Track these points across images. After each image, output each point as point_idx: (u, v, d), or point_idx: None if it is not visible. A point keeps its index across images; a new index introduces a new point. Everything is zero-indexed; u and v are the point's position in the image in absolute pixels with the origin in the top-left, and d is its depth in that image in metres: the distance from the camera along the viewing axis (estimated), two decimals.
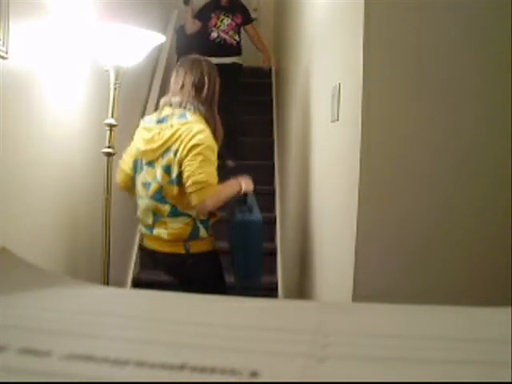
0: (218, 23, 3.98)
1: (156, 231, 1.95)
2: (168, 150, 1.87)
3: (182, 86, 1.97)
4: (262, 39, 4.24)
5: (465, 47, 1.20)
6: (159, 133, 1.91)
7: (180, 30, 4.30)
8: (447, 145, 1.21)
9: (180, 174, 1.85)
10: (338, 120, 1.50)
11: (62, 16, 1.89)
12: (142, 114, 3.55)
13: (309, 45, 2.33)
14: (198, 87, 1.98)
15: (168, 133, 1.89)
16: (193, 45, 3.88)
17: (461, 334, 0.22)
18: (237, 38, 4.02)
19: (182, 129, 1.87)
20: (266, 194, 3.57)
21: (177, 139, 1.86)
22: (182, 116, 1.91)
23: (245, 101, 3.95)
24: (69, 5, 1.96)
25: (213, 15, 3.98)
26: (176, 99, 1.95)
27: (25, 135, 1.68)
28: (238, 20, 4.04)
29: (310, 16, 2.33)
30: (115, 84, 2.04)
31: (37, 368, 0.18)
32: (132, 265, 3.36)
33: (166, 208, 1.91)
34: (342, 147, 1.45)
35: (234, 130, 3.58)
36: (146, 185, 1.94)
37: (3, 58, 1.49)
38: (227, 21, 3.99)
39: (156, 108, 3.72)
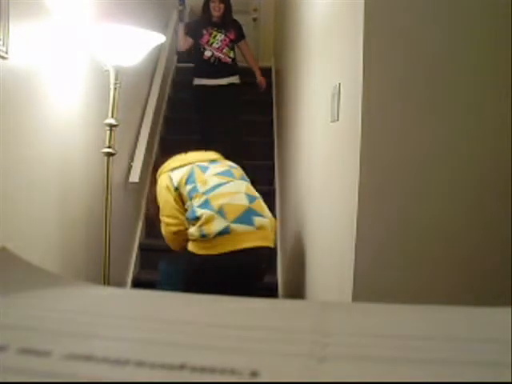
0: (211, 40, 3.79)
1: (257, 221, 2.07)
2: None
3: None
4: (254, 57, 4.08)
5: (465, 47, 1.20)
6: None
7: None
8: (447, 144, 1.21)
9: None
10: (337, 120, 1.50)
11: (62, 16, 1.89)
12: (142, 114, 3.56)
13: (309, 45, 2.33)
14: None
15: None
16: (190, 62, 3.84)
17: (461, 333, 0.22)
18: (232, 54, 3.82)
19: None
20: (265, 194, 3.56)
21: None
22: None
23: (245, 101, 3.93)
24: (69, 5, 1.96)
25: (204, 32, 3.79)
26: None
27: (25, 135, 1.67)
28: (232, 36, 3.85)
29: (310, 16, 2.33)
30: (115, 84, 2.04)
31: (37, 368, 0.18)
32: (132, 265, 3.36)
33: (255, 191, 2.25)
34: (342, 147, 1.45)
35: (237, 153, 3.34)
36: (225, 172, 2.22)
37: (3, 58, 1.49)
38: (220, 37, 3.80)
39: (156, 108, 3.73)
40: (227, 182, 2.09)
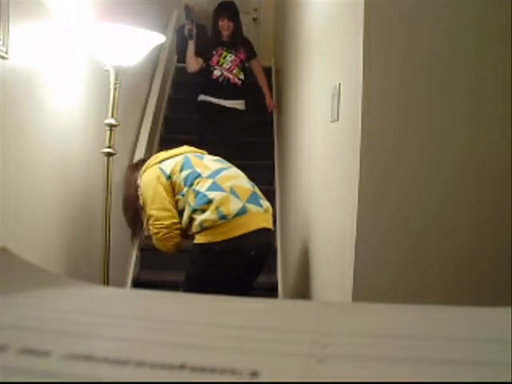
0: (221, 60, 3.62)
1: (264, 203, 2.03)
2: None
3: None
4: (265, 77, 3.88)
5: (465, 47, 1.20)
6: None
7: (180, 31, 4.27)
8: (447, 144, 1.21)
9: None
10: (337, 120, 1.50)
11: (62, 16, 1.89)
12: (142, 114, 3.56)
13: (309, 45, 2.33)
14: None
15: None
16: (197, 82, 3.67)
17: (461, 333, 0.22)
18: (241, 76, 3.65)
19: None
20: (265, 194, 3.56)
21: None
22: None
23: (245, 101, 3.93)
24: (69, 5, 1.96)
25: (214, 52, 3.61)
26: None
27: (25, 135, 1.68)
28: (242, 56, 3.68)
29: (310, 16, 2.33)
30: (115, 84, 2.04)
31: (37, 368, 0.18)
32: (132, 265, 3.36)
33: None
34: (341, 147, 1.45)
35: (236, 153, 3.24)
36: (220, 160, 2.16)
37: (3, 58, 1.49)
38: (230, 57, 3.63)
39: (156, 108, 3.73)
40: (227, 168, 2.06)
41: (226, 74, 3.62)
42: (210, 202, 1.91)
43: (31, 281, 0.29)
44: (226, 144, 3.32)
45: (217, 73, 3.61)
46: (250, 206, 1.94)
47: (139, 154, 3.27)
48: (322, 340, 0.21)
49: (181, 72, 4.71)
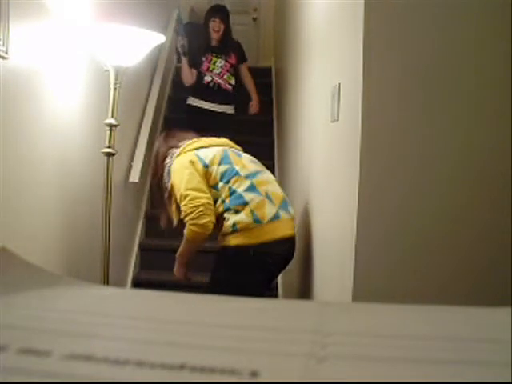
0: (211, 66, 3.59)
1: (291, 209, 2.02)
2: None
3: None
4: (253, 82, 3.79)
5: (465, 47, 1.20)
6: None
7: (180, 31, 4.24)
8: (447, 144, 1.21)
9: None
10: (337, 120, 1.50)
11: (62, 16, 1.89)
12: (142, 114, 3.56)
13: (309, 45, 2.33)
14: None
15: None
16: (188, 88, 3.62)
17: (461, 333, 0.22)
18: (232, 81, 3.62)
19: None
20: None
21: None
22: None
23: (245, 101, 3.93)
24: (69, 5, 1.96)
25: (203, 59, 3.58)
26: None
27: (25, 135, 1.68)
28: (233, 60, 3.63)
29: (310, 16, 2.33)
30: (115, 84, 2.04)
31: (37, 368, 0.18)
32: (132, 265, 3.36)
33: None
34: (341, 147, 1.45)
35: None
36: (255, 161, 2.08)
37: (3, 58, 1.49)
38: (220, 62, 3.60)
39: (156, 108, 3.72)
40: (262, 171, 2.03)
41: (216, 79, 3.60)
42: (245, 203, 1.88)
43: (31, 281, 0.29)
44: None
45: (207, 78, 3.59)
46: (283, 213, 1.94)
47: (139, 154, 3.27)
48: (322, 340, 0.21)
49: (181, 72, 4.71)
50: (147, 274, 3.44)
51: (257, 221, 1.87)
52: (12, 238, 1.60)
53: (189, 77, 3.59)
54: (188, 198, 1.89)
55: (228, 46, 3.64)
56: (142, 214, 3.67)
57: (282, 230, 1.92)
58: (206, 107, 3.60)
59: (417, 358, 0.19)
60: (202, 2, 5.82)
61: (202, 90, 3.60)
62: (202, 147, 2.03)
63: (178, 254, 2.08)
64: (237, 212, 1.89)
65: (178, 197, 1.94)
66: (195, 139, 2.10)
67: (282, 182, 3.55)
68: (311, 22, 2.27)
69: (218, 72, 3.60)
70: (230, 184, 1.92)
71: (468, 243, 1.22)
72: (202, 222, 1.88)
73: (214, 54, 3.60)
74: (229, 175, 1.94)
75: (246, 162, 2.00)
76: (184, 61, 3.58)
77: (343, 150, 1.42)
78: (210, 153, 1.99)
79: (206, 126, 3.44)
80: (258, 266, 1.92)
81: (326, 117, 1.69)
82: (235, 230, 1.88)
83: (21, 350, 0.19)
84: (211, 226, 1.91)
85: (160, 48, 3.68)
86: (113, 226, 2.12)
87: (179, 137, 2.14)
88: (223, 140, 2.14)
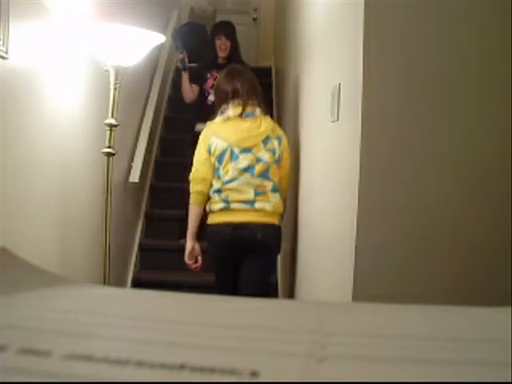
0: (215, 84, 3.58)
1: (259, 205, 2.21)
2: (268, 137, 2.28)
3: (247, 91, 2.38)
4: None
5: (465, 46, 1.20)
6: (255, 123, 2.28)
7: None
8: (447, 144, 1.21)
9: (279, 156, 2.29)
10: (337, 120, 1.50)
11: (62, 16, 1.89)
12: (142, 114, 3.56)
13: (309, 45, 2.33)
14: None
15: (264, 124, 2.28)
16: (189, 107, 3.44)
17: (461, 333, 0.22)
18: None
19: (270, 122, 2.33)
20: None
21: (273, 130, 2.31)
22: (254, 112, 2.31)
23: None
24: (69, 5, 1.96)
25: (209, 75, 3.41)
26: (247, 100, 2.34)
27: (25, 135, 1.68)
28: None
29: (310, 16, 2.33)
30: (115, 84, 2.04)
31: (37, 368, 0.18)
32: (132, 265, 3.36)
33: (269, 184, 2.24)
34: (342, 147, 1.45)
35: None
36: (247, 168, 2.24)
37: (3, 58, 1.49)
38: None
39: (156, 108, 3.72)
40: (242, 179, 2.22)
41: None
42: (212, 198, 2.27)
43: (31, 281, 0.29)
44: None
45: (211, 98, 3.36)
46: (236, 206, 2.22)
47: (139, 154, 3.27)
48: (322, 340, 0.21)
49: (181, 72, 4.71)
50: (147, 273, 3.44)
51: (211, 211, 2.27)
52: (12, 238, 1.59)
53: (189, 93, 3.43)
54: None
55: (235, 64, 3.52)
56: (142, 214, 3.67)
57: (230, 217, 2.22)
58: None
59: (417, 357, 0.19)
60: (202, 2, 5.83)
61: (207, 112, 3.42)
62: (219, 136, 2.27)
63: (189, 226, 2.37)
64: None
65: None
66: (226, 117, 2.32)
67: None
68: (311, 21, 2.27)
69: None
70: (214, 177, 2.27)
71: (468, 242, 1.22)
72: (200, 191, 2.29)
73: (219, 72, 3.37)
74: (216, 171, 2.26)
75: (232, 169, 2.23)
76: (184, 76, 3.41)
77: (343, 150, 1.42)
78: (218, 146, 2.25)
79: None
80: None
81: (325, 117, 1.69)
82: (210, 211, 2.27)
83: (21, 350, 0.19)
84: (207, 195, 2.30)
85: (160, 48, 3.67)
86: (113, 225, 2.12)
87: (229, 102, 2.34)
88: (237, 131, 2.29)
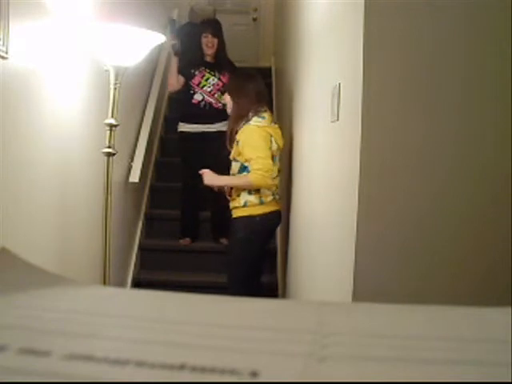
0: (203, 82, 3.40)
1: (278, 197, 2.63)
2: None
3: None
4: None
5: (465, 46, 1.20)
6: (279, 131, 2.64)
7: (180, 31, 4.21)
8: (447, 144, 1.21)
9: None
10: (337, 120, 1.50)
11: (61, 16, 1.89)
12: (142, 114, 3.56)
13: (309, 45, 2.33)
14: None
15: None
16: (175, 107, 3.39)
17: (461, 333, 0.22)
18: (223, 100, 3.19)
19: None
20: None
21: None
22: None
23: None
24: (69, 5, 1.96)
25: (196, 72, 3.40)
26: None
27: (25, 135, 1.68)
28: (226, 79, 3.39)
29: (309, 16, 2.33)
30: (115, 84, 2.04)
31: (37, 368, 0.18)
32: (132, 265, 3.36)
33: None
34: (342, 147, 1.46)
35: (219, 210, 3.16)
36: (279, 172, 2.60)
37: (3, 57, 1.49)
38: (213, 80, 3.41)
39: (156, 108, 3.72)
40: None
41: (207, 98, 3.41)
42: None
43: (31, 281, 0.29)
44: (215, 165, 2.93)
45: (197, 97, 3.40)
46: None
47: (139, 154, 3.27)
48: (322, 340, 0.21)
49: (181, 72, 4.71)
50: (147, 274, 3.44)
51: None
52: (12, 238, 1.59)
53: (174, 82, 3.41)
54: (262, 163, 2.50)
55: (223, 63, 3.44)
56: (142, 214, 3.67)
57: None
58: (200, 130, 3.40)
59: (417, 358, 0.19)
60: (202, 2, 5.82)
61: (192, 111, 3.41)
62: (273, 139, 2.58)
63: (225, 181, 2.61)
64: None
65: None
66: (269, 121, 2.60)
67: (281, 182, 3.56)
68: (311, 21, 2.27)
69: (209, 90, 3.42)
70: None
71: (469, 242, 1.22)
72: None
73: (207, 70, 3.43)
74: None
75: (276, 169, 2.58)
76: (174, 60, 3.40)
77: (343, 150, 1.42)
78: (273, 147, 2.54)
79: (203, 150, 3.30)
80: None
81: (325, 117, 1.69)
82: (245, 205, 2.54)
83: (21, 350, 0.19)
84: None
85: (160, 48, 3.67)
86: (113, 226, 2.12)
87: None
88: (279, 137, 2.62)
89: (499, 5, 1.16)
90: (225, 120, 3.16)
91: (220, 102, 3.36)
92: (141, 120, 3.51)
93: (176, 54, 3.39)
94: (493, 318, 0.24)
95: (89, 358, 0.19)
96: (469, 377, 0.17)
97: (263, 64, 5.38)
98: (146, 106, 3.62)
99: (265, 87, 2.70)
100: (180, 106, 3.53)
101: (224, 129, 3.16)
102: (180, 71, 3.40)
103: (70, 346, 0.20)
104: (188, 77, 3.40)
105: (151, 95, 3.71)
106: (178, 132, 3.50)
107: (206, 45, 3.39)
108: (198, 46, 3.43)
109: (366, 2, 1.19)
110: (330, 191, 1.65)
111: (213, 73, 3.43)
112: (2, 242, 1.40)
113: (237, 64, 3.67)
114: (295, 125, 2.75)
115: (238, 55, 3.85)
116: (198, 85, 3.42)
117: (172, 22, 3.77)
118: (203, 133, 3.40)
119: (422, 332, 0.22)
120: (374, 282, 1.21)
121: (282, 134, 2.68)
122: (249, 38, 5.88)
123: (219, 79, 3.42)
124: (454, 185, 1.21)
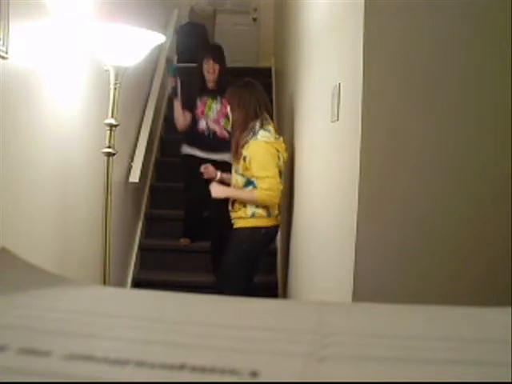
0: (206, 110, 3.34)
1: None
2: None
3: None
4: None
5: (464, 46, 1.20)
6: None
7: (180, 31, 4.22)
8: (447, 144, 1.21)
9: None
10: (337, 120, 1.50)
11: (61, 16, 1.89)
12: (142, 114, 3.56)
13: (309, 45, 2.33)
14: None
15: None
16: (183, 136, 3.36)
17: (461, 333, 0.22)
18: (229, 127, 3.05)
19: None
20: None
21: None
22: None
23: None
24: (69, 5, 1.96)
25: (199, 102, 3.33)
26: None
27: (25, 135, 1.68)
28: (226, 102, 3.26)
29: (309, 16, 2.33)
30: (115, 84, 2.04)
31: (37, 368, 0.18)
32: (132, 265, 3.36)
33: None
34: (342, 147, 1.45)
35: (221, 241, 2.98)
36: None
37: (3, 57, 1.49)
38: (216, 106, 3.33)
39: (156, 108, 3.72)
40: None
41: (211, 126, 3.35)
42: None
43: (31, 281, 0.29)
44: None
45: (202, 124, 3.35)
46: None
47: (139, 154, 3.27)
48: (322, 340, 0.21)
49: (181, 72, 4.71)
50: (147, 274, 3.44)
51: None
52: (12, 238, 1.59)
53: (182, 121, 3.33)
54: (271, 182, 2.49)
55: (225, 89, 3.14)
56: (142, 214, 3.67)
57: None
58: (203, 156, 3.30)
59: (417, 358, 0.19)
60: (202, 1, 5.82)
61: (197, 137, 3.35)
62: (280, 152, 2.59)
63: (232, 194, 2.62)
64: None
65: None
66: (275, 136, 2.58)
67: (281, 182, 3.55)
68: (311, 21, 2.27)
69: (213, 118, 3.34)
70: None
71: (469, 242, 1.22)
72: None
73: (209, 97, 3.35)
74: None
75: (281, 185, 2.61)
76: (176, 104, 3.32)
77: (343, 150, 1.42)
78: (280, 162, 2.56)
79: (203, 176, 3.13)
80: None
81: (325, 117, 1.69)
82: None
83: (21, 350, 0.19)
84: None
85: (160, 48, 3.67)
86: (113, 225, 2.12)
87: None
88: (284, 152, 2.61)
89: (499, 5, 1.16)
90: (228, 151, 3.03)
91: (225, 130, 3.29)
92: (141, 120, 3.51)
93: (176, 95, 3.30)
94: (493, 318, 0.24)
95: (89, 358, 0.19)
96: (469, 377, 0.17)
97: (263, 64, 5.37)
98: (146, 106, 3.62)
99: (265, 96, 2.66)
100: (186, 133, 3.42)
101: (226, 159, 3.11)
102: (184, 105, 3.33)
103: (70, 346, 0.20)
104: (192, 108, 3.35)
105: (151, 95, 3.71)
106: (180, 155, 3.43)
107: (208, 70, 3.31)
108: (199, 72, 3.35)
109: (366, 2, 1.19)
110: (330, 191, 1.65)
111: (215, 99, 3.35)
112: (2, 242, 1.40)
113: (237, 64, 3.66)
114: (295, 125, 2.75)
115: (237, 55, 3.84)
116: (202, 113, 3.36)
117: (171, 64, 3.66)
118: (205, 159, 3.26)
119: (422, 332, 0.22)
120: (374, 282, 1.21)
121: (283, 134, 2.68)
122: (249, 38, 5.88)
123: (222, 104, 3.30)
124: (454, 185, 1.21)
